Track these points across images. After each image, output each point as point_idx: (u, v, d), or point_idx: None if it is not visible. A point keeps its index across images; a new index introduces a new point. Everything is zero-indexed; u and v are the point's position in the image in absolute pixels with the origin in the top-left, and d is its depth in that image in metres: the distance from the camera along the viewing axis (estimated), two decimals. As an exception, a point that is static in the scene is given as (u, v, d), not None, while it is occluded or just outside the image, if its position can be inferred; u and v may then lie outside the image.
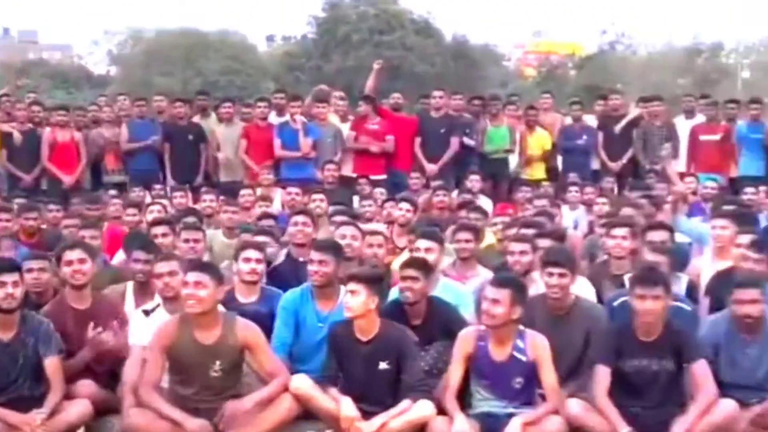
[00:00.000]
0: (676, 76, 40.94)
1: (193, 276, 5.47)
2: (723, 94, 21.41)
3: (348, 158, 11.90)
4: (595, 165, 12.62)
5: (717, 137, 12.21)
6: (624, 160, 12.36)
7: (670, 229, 7.34)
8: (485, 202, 10.73)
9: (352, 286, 5.63)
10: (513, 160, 12.48)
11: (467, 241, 7.28)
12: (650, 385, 5.59)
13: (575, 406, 5.51)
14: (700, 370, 5.51)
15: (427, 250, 6.72)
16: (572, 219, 10.29)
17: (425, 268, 6.14)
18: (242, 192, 10.21)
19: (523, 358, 5.61)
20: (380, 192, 10.60)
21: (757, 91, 22.29)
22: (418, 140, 11.94)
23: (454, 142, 11.84)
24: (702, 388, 5.47)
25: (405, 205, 8.82)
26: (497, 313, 5.54)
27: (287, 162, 11.68)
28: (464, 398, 5.73)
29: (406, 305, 6.07)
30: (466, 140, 12.00)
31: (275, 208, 10.16)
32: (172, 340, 5.52)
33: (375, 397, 5.66)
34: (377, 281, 5.79)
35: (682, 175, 11.60)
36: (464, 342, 5.69)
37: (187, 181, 11.32)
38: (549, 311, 6.06)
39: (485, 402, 5.69)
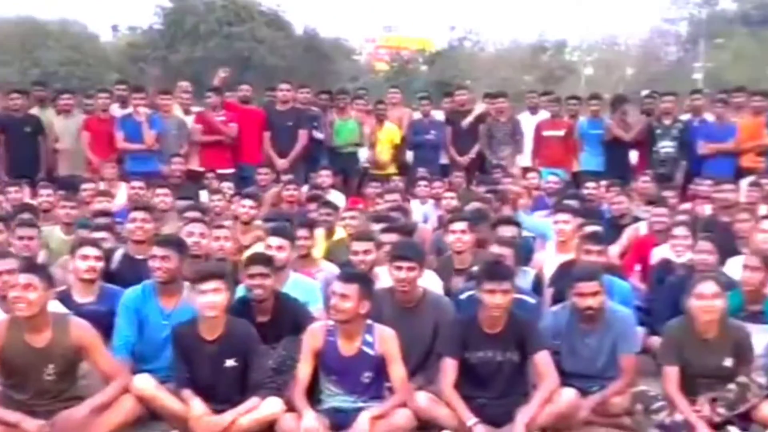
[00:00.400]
0: (523, 72, 41.96)
1: (23, 278, 5.23)
2: (567, 90, 21.95)
3: (194, 152, 11.64)
4: (444, 160, 12.76)
5: (560, 133, 12.49)
6: (471, 154, 12.53)
7: (518, 224, 7.46)
8: (336, 197, 10.70)
9: (214, 284, 5.49)
10: (363, 155, 12.49)
11: (305, 238, 7.23)
12: (495, 376, 5.67)
13: (423, 399, 5.53)
14: (543, 360, 5.60)
15: (279, 248, 6.62)
16: (421, 213, 10.36)
17: (272, 264, 6.06)
18: (84, 186, 9.87)
19: (372, 353, 5.60)
20: (228, 186, 10.42)
21: (600, 88, 23.06)
22: (267, 134, 11.79)
23: (303, 135, 11.74)
24: (544, 377, 5.56)
25: (248, 202, 8.69)
26: (346, 308, 5.50)
27: (132, 155, 11.34)
28: (314, 394, 5.68)
29: (254, 302, 5.96)
30: (315, 133, 11.93)
31: (120, 202, 9.85)
32: (2, 343, 5.26)
33: (223, 396, 5.54)
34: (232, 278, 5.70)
35: (526, 170, 11.89)
36: (312, 337, 5.63)
37: (25, 175, 10.82)
38: (397, 304, 6.06)
39: (334, 397, 5.66)
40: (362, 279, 5.65)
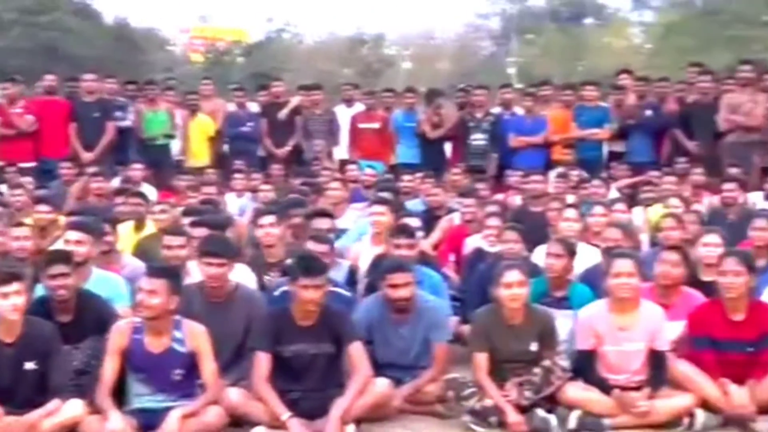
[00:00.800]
0: (342, 65, 42.09)
1: None
2: (386, 83, 22.16)
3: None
4: (261, 152, 12.64)
5: (375, 125, 12.58)
6: (288, 147, 12.46)
7: (332, 216, 7.43)
8: (148, 190, 10.40)
9: (16, 286, 5.25)
10: (176, 147, 12.21)
11: (107, 233, 6.99)
12: (310, 369, 5.63)
13: (234, 395, 5.44)
14: (356, 352, 5.59)
15: (78, 242, 6.34)
16: (238, 206, 10.22)
17: (71, 261, 5.79)
18: None
19: (182, 349, 5.45)
20: (28, 181, 9.95)
21: (418, 82, 23.36)
22: (73, 126, 11.33)
23: (110, 127, 11.35)
24: (357, 368, 5.56)
25: (43, 207, 8.29)
26: (154, 304, 5.34)
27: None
28: (121, 395, 5.48)
29: (54, 302, 5.68)
30: (122, 124, 11.57)
31: None
32: None
33: (22, 400, 5.29)
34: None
35: (344, 163, 11.92)
36: (118, 335, 5.43)
37: None
38: (207, 299, 5.93)
39: (143, 397, 5.49)
40: (170, 274, 5.50)
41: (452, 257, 8.38)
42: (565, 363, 5.69)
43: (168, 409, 5.34)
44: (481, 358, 5.77)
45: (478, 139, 12.16)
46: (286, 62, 39.91)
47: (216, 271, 5.84)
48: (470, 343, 5.92)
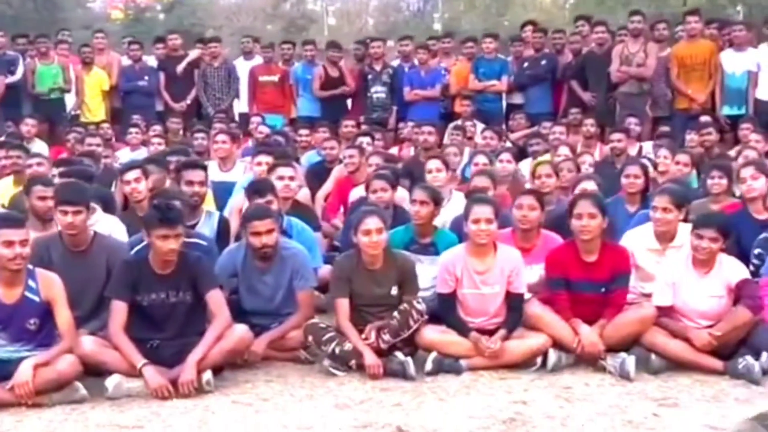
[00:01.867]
0: (265, 21, 41.67)
1: None
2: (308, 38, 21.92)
3: None
4: (159, 106, 12.54)
5: (275, 78, 12.56)
6: (188, 101, 12.38)
7: (204, 167, 7.39)
8: (40, 146, 10.30)
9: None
10: (70, 102, 12.05)
11: None
12: (169, 317, 5.61)
13: (88, 344, 5.40)
14: (214, 299, 5.59)
15: None
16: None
17: None
18: None
19: (36, 298, 5.38)
20: None
21: (342, 37, 23.16)
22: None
23: (-1, 81, 11.17)
24: (216, 315, 5.56)
25: None
26: (18, 253, 5.25)
27: None
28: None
29: None
30: (10, 78, 11.36)
31: None
32: None
33: None
34: None
35: (245, 116, 11.90)
36: None
37: None
38: (67, 249, 5.89)
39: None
40: (23, 223, 5.44)
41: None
42: (421, 306, 5.75)
43: (25, 359, 5.30)
44: (343, 303, 5.83)
45: (378, 91, 12.24)
46: (207, 18, 39.45)
47: (72, 219, 5.79)
48: (331, 289, 5.98)
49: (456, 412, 5.08)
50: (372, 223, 5.78)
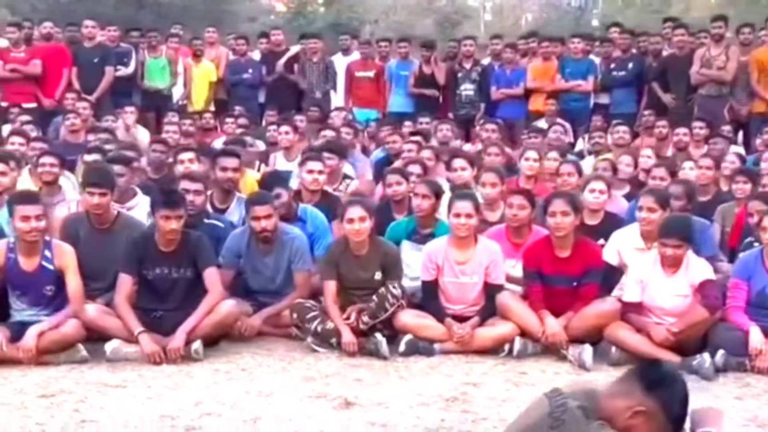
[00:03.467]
0: (420, 16, 42.23)
1: None
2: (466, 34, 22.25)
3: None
4: (261, 98, 13.24)
5: (371, 74, 13.06)
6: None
7: (238, 155, 7.93)
8: (142, 132, 11.14)
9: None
10: (177, 93, 12.90)
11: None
12: (172, 291, 6.21)
13: (92, 311, 6.03)
14: (210, 276, 6.15)
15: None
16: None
17: None
18: None
19: (51, 267, 6.04)
20: (30, 128, 10.51)
21: (496, 32, 23.39)
22: (73, 70, 12.09)
23: (109, 71, 12.08)
24: (210, 290, 6.12)
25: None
26: (34, 227, 5.91)
27: None
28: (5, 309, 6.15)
29: None
30: (122, 70, 12.29)
31: None
32: None
33: None
34: None
35: (338, 110, 12.43)
36: None
37: None
38: (93, 226, 6.56)
39: (21, 311, 6.10)
40: (39, 199, 6.14)
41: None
42: (396, 291, 6.13)
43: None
44: (330, 285, 6.29)
45: (467, 89, 12.56)
46: (365, 13, 40.34)
47: (98, 200, 6.47)
48: (321, 272, 6.45)
49: (408, 389, 5.44)
50: (355, 212, 6.22)
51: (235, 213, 7.41)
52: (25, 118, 10.74)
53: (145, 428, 4.80)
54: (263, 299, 6.59)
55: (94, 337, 6.09)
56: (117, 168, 7.23)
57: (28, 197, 6.13)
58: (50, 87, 11.95)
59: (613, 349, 5.90)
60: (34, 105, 11.71)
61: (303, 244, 6.62)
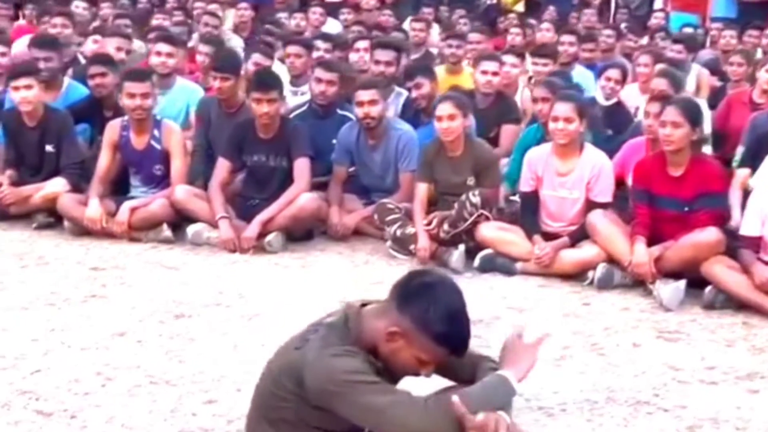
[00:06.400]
0: None
1: None
2: None
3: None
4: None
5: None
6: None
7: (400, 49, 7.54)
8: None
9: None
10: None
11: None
12: (269, 180, 6.02)
13: (181, 192, 5.97)
14: (299, 166, 5.88)
15: (168, 54, 7.09)
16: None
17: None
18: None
19: (158, 147, 6.10)
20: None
21: None
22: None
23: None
24: (296, 182, 5.85)
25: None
26: (139, 104, 5.97)
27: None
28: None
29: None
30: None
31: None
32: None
33: (45, 176, 6.27)
34: None
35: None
36: (110, 131, 6.16)
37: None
38: (222, 109, 6.48)
39: (137, 188, 6.25)
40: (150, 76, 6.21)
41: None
42: (475, 199, 5.45)
43: (155, 200, 6.12)
44: (421, 188, 5.76)
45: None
46: None
47: (221, 84, 6.39)
48: (416, 173, 5.90)
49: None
50: (444, 109, 5.60)
51: (390, 108, 7.01)
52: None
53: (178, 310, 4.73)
54: (376, 197, 6.19)
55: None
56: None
57: (136, 74, 6.17)
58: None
59: (708, 289, 4.84)
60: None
61: (411, 141, 6.10)
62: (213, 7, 10.51)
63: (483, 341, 4.36)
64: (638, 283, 5.13)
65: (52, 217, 6.18)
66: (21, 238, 5.99)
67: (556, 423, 3.64)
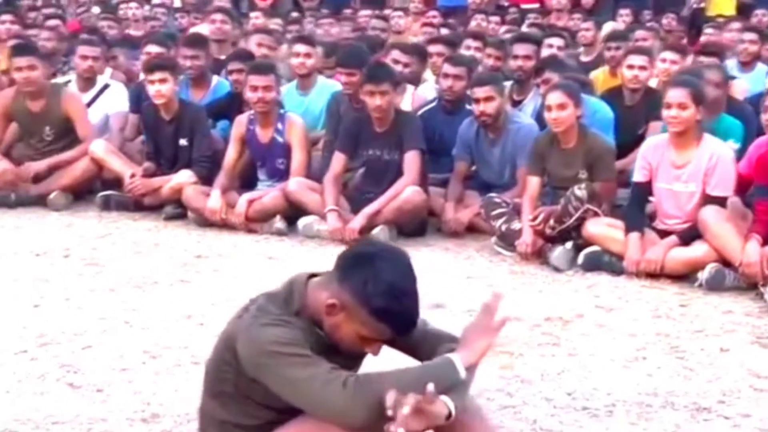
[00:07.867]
0: None
1: None
2: None
3: None
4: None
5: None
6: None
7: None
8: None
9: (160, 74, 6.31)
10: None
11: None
12: (384, 174, 5.88)
13: (293, 185, 5.92)
14: (409, 159, 5.71)
15: (306, 55, 7.07)
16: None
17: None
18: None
19: (281, 140, 6.10)
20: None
21: None
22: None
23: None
24: (405, 175, 5.68)
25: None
26: (261, 97, 5.98)
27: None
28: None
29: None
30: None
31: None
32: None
33: (180, 169, 6.40)
34: None
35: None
36: (237, 125, 6.23)
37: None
38: (351, 105, 6.40)
39: (264, 182, 6.28)
40: (273, 69, 6.19)
41: None
42: (581, 193, 5.05)
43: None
44: (533, 181, 5.43)
45: None
46: None
47: (347, 79, 6.36)
48: (527, 166, 5.56)
49: (526, 301, 4.56)
50: (553, 98, 5.26)
51: (529, 105, 6.72)
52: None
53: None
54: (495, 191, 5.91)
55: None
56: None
57: (259, 67, 6.20)
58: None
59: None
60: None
61: (530, 134, 5.77)
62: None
63: (553, 338, 4.07)
64: (754, 287, 4.59)
65: (180, 208, 6.32)
66: (147, 227, 6.16)
67: (596, 425, 3.30)
